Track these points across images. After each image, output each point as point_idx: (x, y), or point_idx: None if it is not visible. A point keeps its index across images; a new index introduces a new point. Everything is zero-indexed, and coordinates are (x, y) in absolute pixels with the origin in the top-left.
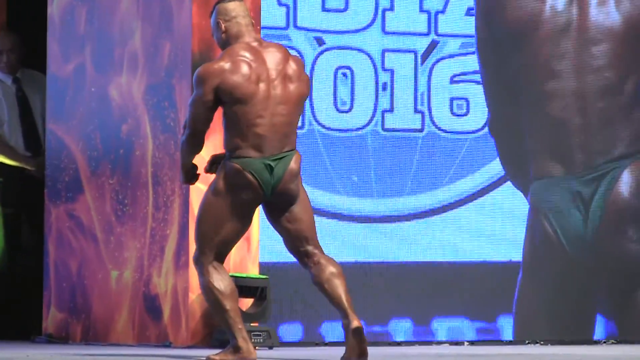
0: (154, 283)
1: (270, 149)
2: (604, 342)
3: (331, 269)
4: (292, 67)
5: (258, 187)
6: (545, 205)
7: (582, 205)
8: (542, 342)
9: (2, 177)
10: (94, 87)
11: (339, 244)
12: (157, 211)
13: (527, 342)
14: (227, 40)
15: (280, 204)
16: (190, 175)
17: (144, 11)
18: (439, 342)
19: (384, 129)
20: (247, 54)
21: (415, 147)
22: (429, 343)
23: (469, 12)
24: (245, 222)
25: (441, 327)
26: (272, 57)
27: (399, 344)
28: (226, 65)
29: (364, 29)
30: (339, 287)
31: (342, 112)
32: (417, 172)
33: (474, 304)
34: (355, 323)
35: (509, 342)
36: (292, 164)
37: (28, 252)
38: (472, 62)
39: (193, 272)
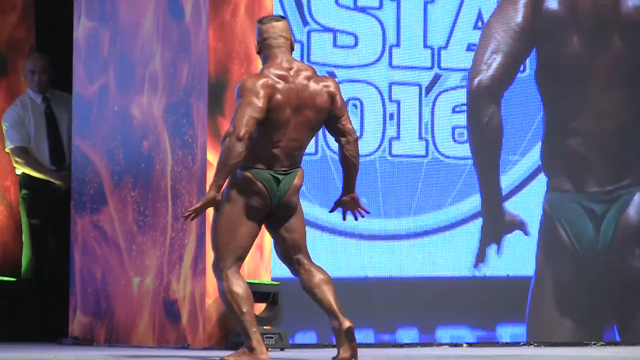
0: (173, 289)
1: (278, 166)
2: (594, 344)
3: (320, 276)
4: (314, 93)
5: (267, 196)
6: (560, 215)
7: (594, 221)
8: (535, 344)
9: (28, 190)
10: (116, 106)
11: (349, 259)
12: (175, 222)
13: (522, 344)
14: (262, 59)
15: (282, 214)
16: (216, 204)
17: (163, 35)
18: (440, 344)
19: (391, 155)
20: (280, 79)
21: (420, 171)
22: (430, 344)
23: (469, 47)
24: (256, 227)
25: (444, 334)
26: (299, 83)
27: (402, 346)
28: (271, 82)
29: (373, 63)
30: (328, 293)
31: None
32: (422, 194)
33: (475, 314)
34: (347, 324)
35: (506, 344)
36: (297, 180)
37: (53, 261)
38: None
39: (209, 279)
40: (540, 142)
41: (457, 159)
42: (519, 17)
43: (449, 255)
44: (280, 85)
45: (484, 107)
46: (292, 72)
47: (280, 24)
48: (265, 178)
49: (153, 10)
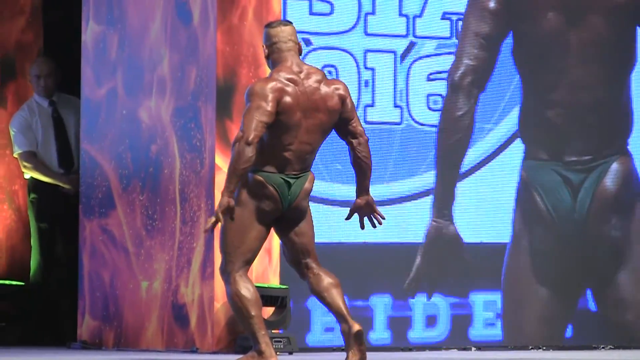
0: (182, 293)
1: (290, 170)
2: (602, 348)
3: (329, 279)
4: (325, 96)
5: (278, 200)
6: (537, 182)
7: (571, 190)
8: (544, 347)
9: (36, 193)
10: (124, 109)
11: (323, 226)
12: (184, 225)
13: (530, 347)
14: (270, 63)
15: (292, 218)
16: (230, 211)
17: (171, 39)
18: (448, 348)
19: (366, 122)
20: (290, 82)
21: (394, 139)
22: (438, 348)
23: (444, 16)
24: (265, 230)
25: (417, 301)
26: (309, 86)
27: (410, 349)
28: (280, 85)
29: (348, 31)
30: (337, 296)
31: None
32: (396, 161)
33: (448, 281)
34: (356, 327)
35: (514, 348)
36: (307, 184)
37: (61, 264)
38: (446, 62)
39: (218, 283)
40: (517, 111)
41: (432, 126)
42: (492, 3)
43: (423, 222)
44: (290, 88)
45: (461, 102)
46: (302, 76)
47: (288, 28)
48: (276, 182)
49: (161, 14)
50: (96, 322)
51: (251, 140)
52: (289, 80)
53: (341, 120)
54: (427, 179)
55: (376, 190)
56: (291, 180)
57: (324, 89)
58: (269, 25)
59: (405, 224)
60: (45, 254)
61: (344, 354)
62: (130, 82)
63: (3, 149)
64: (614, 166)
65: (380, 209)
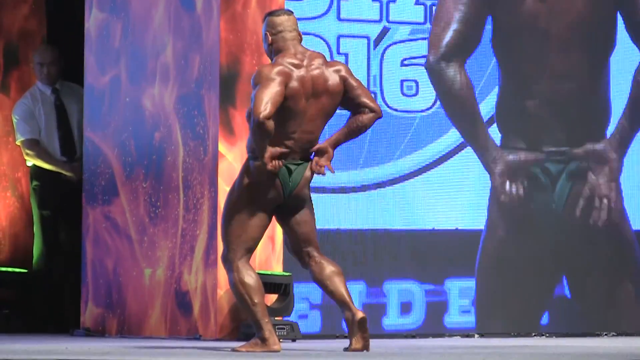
0: (185, 280)
1: (291, 158)
2: (605, 335)
3: (331, 267)
4: (327, 79)
5: (279, 187)
6: (515, 171)
7: (549, 179)
8: (547, 335)
9: (39, 181)
10: (128, 97)
11: None
12: (187, 213)
13: (533, 334)
14: (272, 52)
15: (293, 206)
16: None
17: (175, 26)
18: (451, 335)
19: (339, 108)
20: (295, 67)
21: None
22: (442, 335)
23: (418, 1)
24: (267, 218)
25: (392, 288)
26: (312, 71)
27: (413, 336)
28: (287, 70)
29: (321, 16)
30: (340, 284)
31: None
32: (370, 147)
33: (423, 268)
34: (359, 315)
35: (517, 335)
36: (307, 172)
37: (64, 252)
38: (420, 47)
39: (221, 270)
40: (494, 95)
41: (406, 112)
42: None
43: (397, 208)
44: (295, 73)
45: (445, 73)
46: (305, 62)
47: (292, 18)
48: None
49: (164, 1)
50: (99, 309)
51: (267, 115)
52: (293, 65)
53: (349, 100)
54: (401, 165)
55: (350, 177)
56: (292, 168)
57: (325, 72)
58: (272, 14)
59: (379, 210)
60: (48, 242)
61: (346, 341)
62: (133, 70)
63: (6, 137)
64: (593, 157)
65: (353, 195)
